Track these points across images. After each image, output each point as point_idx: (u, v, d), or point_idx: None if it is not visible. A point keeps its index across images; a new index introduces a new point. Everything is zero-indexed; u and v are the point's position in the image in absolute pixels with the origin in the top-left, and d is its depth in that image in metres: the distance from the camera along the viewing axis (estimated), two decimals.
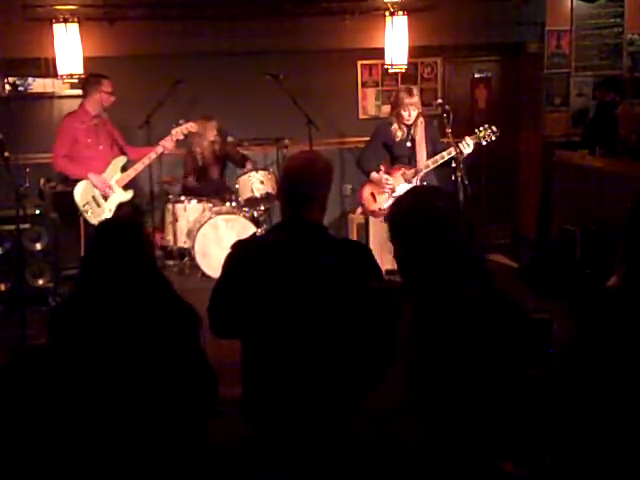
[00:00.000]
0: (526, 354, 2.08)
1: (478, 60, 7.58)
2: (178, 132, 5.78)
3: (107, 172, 5.59)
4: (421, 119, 5.36)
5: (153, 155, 5.67)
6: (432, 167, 5.30)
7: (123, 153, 5.70)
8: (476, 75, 7.59)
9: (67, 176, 5.63)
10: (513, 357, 2.04)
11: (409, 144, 5.36)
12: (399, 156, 5.41)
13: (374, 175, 5.41)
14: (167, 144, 5.71)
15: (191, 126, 5.86)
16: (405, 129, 5.34)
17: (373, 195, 5.49)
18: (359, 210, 5.78)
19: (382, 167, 5.53)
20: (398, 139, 5.36)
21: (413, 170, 5.33)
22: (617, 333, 1.98)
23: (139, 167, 5.67)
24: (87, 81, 5.63)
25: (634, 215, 2.11)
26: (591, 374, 2.01)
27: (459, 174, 5.11)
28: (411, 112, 5.24)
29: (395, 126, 5.34)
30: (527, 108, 7.55)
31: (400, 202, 2.26)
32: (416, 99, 5.24)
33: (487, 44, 7.27)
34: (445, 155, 5.22)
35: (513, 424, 2.03)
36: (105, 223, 2.88)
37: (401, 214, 2.20)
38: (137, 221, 2.94)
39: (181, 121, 5.86)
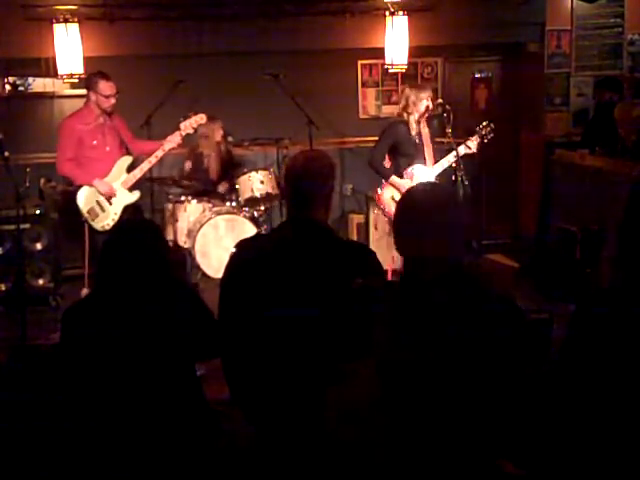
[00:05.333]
0: (518, 354, 2.05)
1: (478, 60, 7.58)
2: (187, 126, 5.56)
3: (112, 174, 5.40)
4: (445, 115, 5.36)
5: (160, 153, 5.46)
6: (446, 165, 5.31)
7: (128, 152, 5.50)
8: (476, 75, 7.59)
9: (73, 181, 5.42)
10: (500, 358, 2.02)
11: (418, 141, 5.36)
12: (409, 154, 5.36)
13: (396, 180, 5.34)
14: (175, 139, 5.49)
15: (201, 118, 5.61)
16: (415, 126, 5.35)
17: (394, 199, 5.41)
18: (380, 214, 5.67)
19: (387, 163, 5.50)
20: (412, 136, 5.36)
21: (431, 168, 5.33)
22: (608, 332, 1.98)
23: (145, 167, 5.47)
24: (87, 79, 5.45)
25: (628, 217, 2.12)
26: (584, 373, 2.01)
27: (459, 174, 5.13)
28: (430, 105, 5.27)
29: (409, 123, 5.34)
30: (527, 108, 7.55)
31: (403, 199, 2.25)
32: (430, 92, 5.32)
33: (487, 44, 7.27)
34: (461, 150, 5.28)
35: (502, 424, 2.01)
36: (121, 225, 2.90)
37: (398, 211, 2.21)
38: (153, 223, 2.96)
39: (191, 113, 5.66)
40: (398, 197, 5.32)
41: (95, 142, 5.35)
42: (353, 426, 2.04)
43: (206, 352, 2.69)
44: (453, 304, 2.01)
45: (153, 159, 5.48)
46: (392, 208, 5.34)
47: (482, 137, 5.38)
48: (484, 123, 5.43)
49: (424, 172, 5.32)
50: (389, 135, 5.41)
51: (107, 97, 5.29)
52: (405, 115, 5.36)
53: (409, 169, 5.36)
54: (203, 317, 2.64)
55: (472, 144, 5.34)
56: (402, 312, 2.05)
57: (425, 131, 5.39)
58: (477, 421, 1.96)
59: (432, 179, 5.30)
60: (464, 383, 1.96)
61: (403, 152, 5.38)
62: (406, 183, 5.27)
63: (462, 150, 5.31)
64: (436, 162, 5.38)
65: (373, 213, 6.50)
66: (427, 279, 2.05)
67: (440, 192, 2.24)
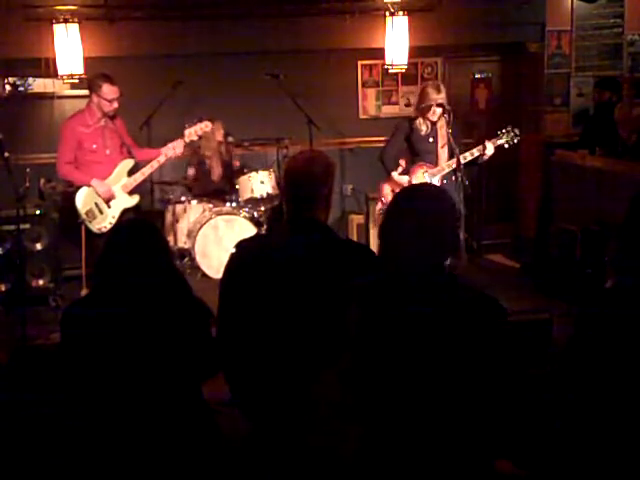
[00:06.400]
0: (499, 353, 1.98)
1: (478, 60, 7.58)
2: (191, 133, 5.52)
3: (112, 177, 5.34)
4: (445, 116, 5.32)
5: (162, 159, 5.40)
6: (454, 167, 5.27)
7: (130, 155, 5.43)
8: (476, 75, 7.59)
9: (72, 183, 5.38)
10: (480, 357, 1.95)
11: (431, 140, 5.33)
12: (420, 152, 5.35)
13: (396, 176, 5.35)
14: (178, 147, 5.43)
15: (205, 125, 5.58)
16: (429, 124, 5.31)
17: (394, 192, 5.41)
18: (378, 206, 5.65)
19: (402, 162, 5.49)
20: (423, 133, 5.33)
21: (436, 169, 5.32)
22: (613, 332, 1.98)
23: (147, 171, 5.41)
24: (90, 81, 5.37)
25: (629, 219, 2.12)
26: (588, 373, 2.00)
27: (459, 174, 5.12)
28: (435, 109, 5.22)
29: (420, 120, 5.31)
30: (527, 108, 7.55)
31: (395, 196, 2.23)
32: (443, 95, 5.23)
33: (487, 44, 7.27)
34: (468, 156, 5.24)
35: (491, 425, 1.97)
36: (120, 225, 2.90)
37: (388, 207, 2.18)
38: (152, 223, 2.97)
39: (195, 120, 5.66)
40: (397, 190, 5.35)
41: (95, 146, 5.30)
42: (322, 434, 2.02)
43: (205, 367, 2.68)
44: (434, 304, 1.99)
45: (155, 164, 5.43)
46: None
47: (504, 142, 5.34)
48: (508, 128, 5.39)
49: (427, 172, 5.30)
50: (398, 130, 5.42)
51: (110, 101, 5.23)
52: (419, 112, 5.34)
53: (414, 167, 5.36)
54: (202, 328, 2.64)
55: (490, 147, 5.27)
56: (383, 311, 2.02)
57: (442, 131, 5.33)
58: (460, 421, 1.94)
59: (436, 180, 5.28)
60: (444, 382, 1.94)
61: (415, 150, 5.38)
62: (404, 180, 5.28)
63: (476, 152, 5.26)
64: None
65: (373, 213, 6.50)
66: (410, 279, 2.02)
67: (433, 193, 2.22)
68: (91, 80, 5.36)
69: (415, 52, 6.71)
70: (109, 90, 5.22)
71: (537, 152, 7.36)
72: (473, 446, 1.93)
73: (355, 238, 6.66)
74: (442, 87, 5.30)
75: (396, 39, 6.50)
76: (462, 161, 5.22)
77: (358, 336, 2.02)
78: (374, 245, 6.30)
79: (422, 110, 5.28)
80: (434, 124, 5.30)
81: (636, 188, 5.18)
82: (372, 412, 1.96)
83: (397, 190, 5.27)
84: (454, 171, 5.22)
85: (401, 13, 6.45)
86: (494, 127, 5.51)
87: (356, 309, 2.05)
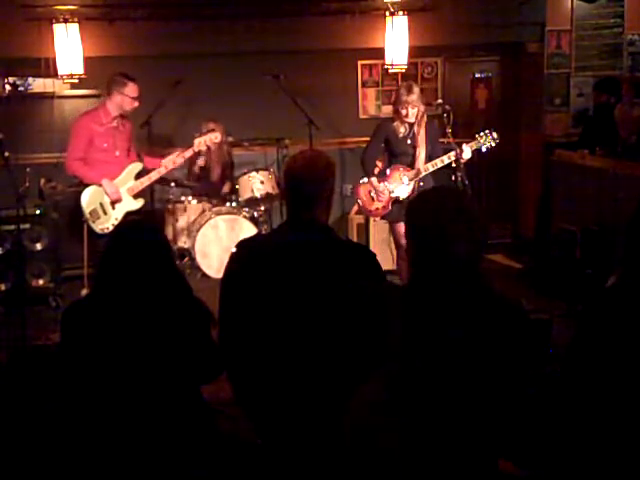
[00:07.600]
0: (526, 356, 2.03)
1: (478, 60, 7.59)
2: (201, 143, 5.52)
3: (120, 178, 5.31)
4: (424, 118, 5.30)
5: (170, 165, 5.40)
6: (431, 170, 5.27)
7: (140, 159, 5.42)
8: (476, 75, 7.59)
9: (81, 180, 5.30)
10: (509, 360, 1.98)
11: (410, 142, 5.30)
12: (399, 154, 5.34)
13: (374, 182, 5.35)
14: (186, 155, 5.47)
15: (215, 137, 5.59)
16: (407, 126, 5.28)
17: (371, 195, 5.43)
18: (354, 208, 5.67)
19: (378, 163, 5.50)
20: (400, 135, 5.30)
21: (412, 172, 5.30)
22: (616, 332, 1.98)
23: (154, 176, 5.39)
24: (112, 79, 5.25)
25: (636, 217, 2.11)
26: (590, 373, 2.00)
27: (459, 174, 5.11)
28: (409, 110, 5.18)
29: (397, 122, 5.30)
30: (527, 108, 7.55)
31: (423, 201, 2.16)
32: (414, 97, 5.15)
33: (487, 44, 7.27)
34: (445, 159, 5.21)
35: (510, 427, 1.99)
36: (123, 225, 2.90)
37: (423, 212, 2.09)
38: (154, 223, 2.97)
39: (204, 129, 5.68)
40: (375, 195, 5.35)
41: (105, 145, 5.26)
42: (364, 430, 2.01)
43: (204, 369, 2.67)
44: (465, 308, 1.99)
45: (163, 170, 5.40)
46: (369, 204, 5.41)
47: (480, 145, 5.28)
48: (486, 132, 5.31)
49: (405, 175, 5.31)
50: (378, 132, 5.39)
51: (133, 99, 5.21)
52: (395, 113, 5.33)
53: (390, 169, 5.36)
54: (202, 329, 2.64)
55: (467, 151, 5.20)
56: (415, 317, 2.01)
57: (422, 133, 5.32)
58: (481, 422, 1.95)
59: (412, 183, 5.27)
60: (472, 385, 1.95)
61: (393, 151, 5.37)
62: (383, 188, 5.29)
63: (453, 156, 5.20)
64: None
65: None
66: (440, 283, 2.02)
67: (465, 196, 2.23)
68: (114, 78, 5.25)
69: (415, 52, 6.71)
70: (132, 88, 5.20)
71: (537, 152, 7.36)
72: (484, 446, 1.94)
73: (355, 238, 6.65)
74: (415, 87, 5.21)
75: (396, 39, 6.50)
76: (439, 164, 5.23)
77: (403, 349, 2.00)
78: (374, 245, 6.30)
79: (396, 111, 5.27)
80: (412, 126, 5.28)
81: (636, 188, 5.21)
82: (408, 414, 1.95)
83: (372, 193, 5.35)
84: (454, 171, 5.20)
85: (401, 13, 6.45)
86: (494, 127, 5.50)
87: (397, 321, 2.03)
